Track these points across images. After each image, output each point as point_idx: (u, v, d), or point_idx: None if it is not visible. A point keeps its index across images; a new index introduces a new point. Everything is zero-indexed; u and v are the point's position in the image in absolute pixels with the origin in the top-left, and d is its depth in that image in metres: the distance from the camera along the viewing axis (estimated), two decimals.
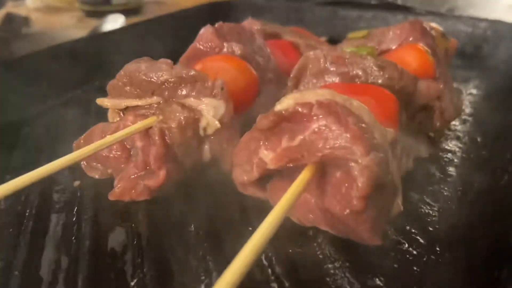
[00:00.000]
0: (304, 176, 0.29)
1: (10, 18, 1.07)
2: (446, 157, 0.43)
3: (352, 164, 0.27)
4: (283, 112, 0.29)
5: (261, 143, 0.32)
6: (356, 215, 0.28)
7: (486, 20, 0.72)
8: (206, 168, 0.39)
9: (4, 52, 0.89)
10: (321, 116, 0.28)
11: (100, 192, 0.38)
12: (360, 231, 0.29)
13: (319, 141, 0.28)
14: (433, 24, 0.51)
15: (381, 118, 0.32)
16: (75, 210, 0.36)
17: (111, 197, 0.35)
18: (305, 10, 0.85)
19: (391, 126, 0.33)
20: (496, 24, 0.71)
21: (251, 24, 0.54)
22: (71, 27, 1.15)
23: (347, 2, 0.83)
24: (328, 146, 0.28)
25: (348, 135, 0.27)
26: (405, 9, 0.79)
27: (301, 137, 0.29)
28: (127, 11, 1.22)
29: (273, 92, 0.46)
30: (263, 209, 0.34)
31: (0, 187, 0.26)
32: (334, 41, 0.71)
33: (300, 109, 0.28)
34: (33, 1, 1.33)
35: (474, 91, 0.59)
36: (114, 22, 1.07)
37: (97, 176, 0.40)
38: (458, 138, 0.46)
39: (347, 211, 0.28)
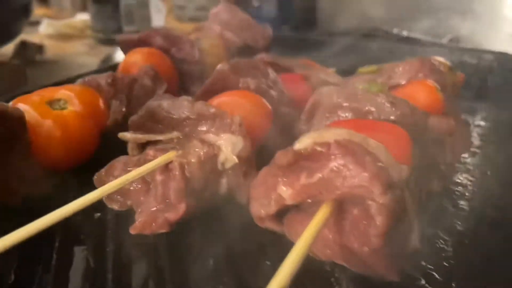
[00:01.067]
0: (322, 212, 0.30)
1: (24, 45, 1.11)
2: (457, 191, 0.43)
3: (370, 202, 0.28)
4: (302, 151, 0.30)
5: (279, 179, 0.33)
6: (374, 252, 0.29)
7: (491, 52, 0.74)
8: (222, 201, 0.41)
9: (20, 79, 0.91)
10: (339, 155, 0.29)
11: (120, 224, 0.39)
12: (377, 267, 0.30)
13: (337, 180, 0.29)
14: (441, 59, 0.53)
15: (395, 154, 0.33)
16: (97, 242, 0.37)
17: (133, 230, 0.36)
18: (312, 42, 0.88)
19: (405, 162, 0.34)
20: (501, 56, 0.72)
21: (264, 58, 0.56)
22: (83, 54, 1.18)
23: (353, 33, 0.85)
24: (346, 185, 0.29)
25: (366, 174, 0.28)
26: (411, 41, 0.82)
27: (320, 175, 0.30)
28: None
29: (286, 125, 0.48)
30: (279, 241, 0.35)
31: (26, 227, 0.27)
32: (341, 72, 0.73)
33: (318, 149, 0.29)
34: (45, 28, 1.36)
35: (481, 123, 0.60)
36: None
37: (116, 208, 0.41)
38: (468, 171, 0.47)
39: (365, 248, 0.29)
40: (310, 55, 0.81)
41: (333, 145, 0.29)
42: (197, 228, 0.38)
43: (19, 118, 0.40)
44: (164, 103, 0.37)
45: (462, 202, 0.42)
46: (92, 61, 1.07)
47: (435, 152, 0.42)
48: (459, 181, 0.45)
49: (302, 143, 0.30)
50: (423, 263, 0.34)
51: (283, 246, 0.35)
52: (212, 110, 0.36)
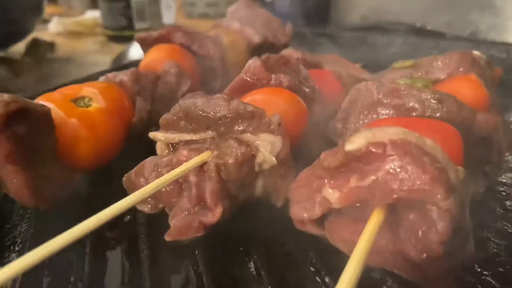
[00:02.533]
0: (376, 219, 0.28)
1: (36, 43, 1.09)
2: (503, 191, 0.41)
3: (431, 207, 0.26)
4: (355, 152, 0.28)
5: (326, 181, 0.31)
6: (434, 260, 0.27)
7: None
8: (258, 202, 0.39)
9: (32, 77, 0.90)
10: (395, 157, 0.27)
11: (152, 227, 0.37)
12: (433, 276, 0.28)
13: (393, 182, 0.27)
14: (478, 53, 0.51)
15: (448, 155, 0.31)
16: (130, 247, 0.35)
17: (168, 237, 0.34)
18: (334, 36, 0.86)
19: (457, 163, 0.32)
20: None
21: (291, 53, 0.54)
22: (95, 52, 1.17)
23: (376, 27, 0.83)
24: (404, 188, 0.27)
25: (426, 177, 0.26)
26: (435, 35, 0.79)
27: (373, 177, 0.28)
28: None
29: (320, 123, 0.46)
30: (320, 245, 0.33)
31: (59, 238, 0.25)
32: (365, 67, 0.71)
33: (373, 149, 0.28)
34: (55, 26, 1.35)
35: None
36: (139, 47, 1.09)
37: (147, 211, 0.39)
38: (511, 169, 0.45)
39: (424, 255, 0.27)
40: (329, 50, 0.80)
41: (388, 145, 0.27)
42: (232, 230, 0.37)
43: (44, 115, 0.38)
44: (199, 101, 0.36)
45: (508, 203, 0.40)
46: (104, 59, 1.05)
47: (481, 151, 0.40)
48: (503, 180, 0.43)
49: (354, 144, 0.28)
50: (479, 270, 0.32)
51: (326, 250, 0.34)
52: (250, 108, 0.35)
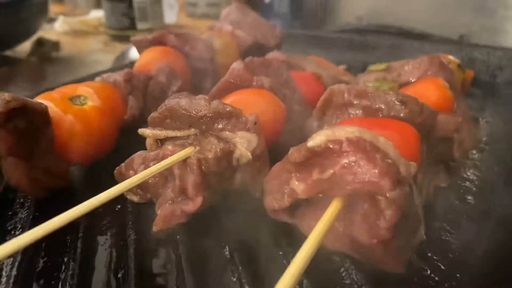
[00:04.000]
0: (334, 207, 0.31)
1: (41, 42, 1.13)
2: (465, 186, 0.45)
3: (380, 197, 0.30)
4: (316, 148, 0.31)
5: (293, 175, 0.35)
6: (383, 244, 0.30)
7: (502, 48, 0.75)
8: (236, 194, 0.42)
9: (38, 76, 0.94)
10: (350, 153, 0.30)
11: (140, 215, 0.41)
12: (386, 259, 0.32)
13: (348, 176, 0.31)
14: (450, 57, 0.54)
15: (404, 151, 0.34)
16: (119, 232, 0.39)
17: (155, 227, 0.38)
18: (323, 38, 0.89)
19: (413, 159, 0.36)
20: (511, 52, 0.73)
21: (276, 56, 0.57)
22: (98, 51, 1.21)
23: (367, 30, 0.86)
24: (357, 181, 0.30)
25: (376, 171, 0.29)
26: (422, 37, 0.82)
27: (332, 171, 0.31)
28: None
29: (298, 122, 0.49)
30: (291, 232, 0.37)
31: (54, 220, 0.29)
32: (352, 68, 0.74)
33: (331, 146, 0.31)
34: (60, 25, 1.39)
35: (490, 119, 0.61)
36: None
37: (136, 200, 0.43)
38: (475, 166, 0.48)
39: (375, 240, 0.30)
40: (320, 52, 0.83)
41: (345, 142, 0.31)
42: (212, 219, 0.40)
43: (42, 112, 0.42)
44: (182, 102, 0.39)
45: (469, 197, 0.43)
46: (107, 58, 1.09)
47: (443, 149, 0.43)
48: (466, 176, 0.46)
49: (315, 141, 0.31)
50: (429, 255, 0.35)
51: (295, 237, 0.37)
52: (228, 108, 0.38)
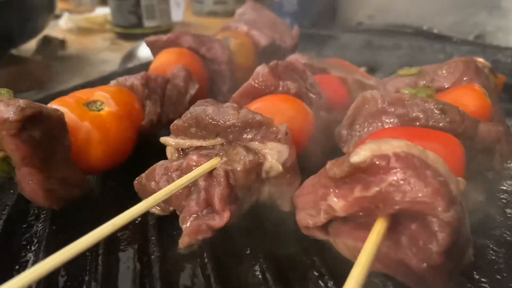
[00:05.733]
0: (379, 227, 0.29)
1: (47, 41, 1.11)
2: (504, 198, 0.42)
3: (432, 219, 0.27)
4: (360, 164, 0.29)
5: (331, 190, 0.32)
6: (434, 269, 0.28)
7: None
8: (265, 206, 0.40)
9: (44, 75, 0.92)
10: (399, 169, 0.28)
11: (163, 229, 0.39)
12: (434, 283, 0.29)
13: (396, 194, 0.28)
14: (482, 60, 0.52)
15: (451, 166, 0.32)
16: (141, 248, 0.36)
17: (181, 245, 0.35)
18: (340, 38, 0.86)
19: (460, 174, 0.33)
20: None
21: (298, 58, 0.55)
22: (105, 49, 1.18)
23: (383, 30, 0.83)
24: (406, 200, 0.28)
25: (428, 190, 0.27)
26: (441, 38, 0.80)
27: (377, 188, 0.29)
28: (158, 34, 1.25)
29: (325, 129, 0.47)
30: (323, 249, 0.35)
31: (75, 244, 0.26)
32: (371, 70, 0.72)
33: (377, 162, 0.29)
34: (66, 23, 1.36)
35: None
36: None
37: (157, 212, 0.41)
38: None
39: (425, 264, 0.28)
40: (336, 52, 0.80)
41: (392, 158, 0.28)
42: (240, 233, 0.38)
43: (58, 119, 0.40)
44: (209, 110, 0.37)
45: (509, 211, 0.41)
46: (114, 57, 1.07)
47: (482, 160, 0.41)
48: (504, 188, 0.44)
49: (360, 156, 0.29)
50: (477, 277, 0.33)
51: (329, 255, 0.35)
52: (259, 118, 0.36)
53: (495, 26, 1.15)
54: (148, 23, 1.23)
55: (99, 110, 0.45)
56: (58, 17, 1.39)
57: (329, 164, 0.32)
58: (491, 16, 1.18)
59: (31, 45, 1.06)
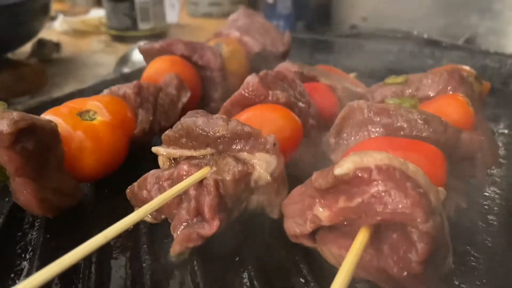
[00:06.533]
0: (362, 237, 0.30)
1: (41, 43, 1.11)
2: (486, 204, 0.44)
3: (411, 229, 0.28)
4: (344, 176, 0.30)
5: (317, 200, 0.33)
6: (414, 277, 0.29)
7: None
8: (254, 215, 0.41)
9: (41, 79, 0.92)
10: (380, 181, 0.29)
11: (154, 236, 0.40)
12: None
13: (378, 205, 0.29)
14: (467, 68, 0.53)
15: (431, 176, 0.33)
16: (133, 256, 0.37)
17: (172, 253, 0.36)
18: (332, 43, 0.87)
19: (440, 183, 0.35)
20: None
21: (288, 67, 0.56)
22: (99, 52, 1.19)
23: (374, 35, 0.84)
24: (387, 211, 0.29)
25: (408, 201, 0.28)
26: (431, 43, 0.81)
27: (360, 199, 0.30)
28: (152, 37, 1.26)
29: (314, 137, 0.48)
30: (310, 256, 0.36)
31: (70, 255, 0.27)
32: (363, 75, 0.73)
33: (360, 174, 0.30)
34: (60, 25, 1.37)
35: (505, 131, 0.60)
36: None
37: (149, 220, 0.41)
38: (495, 183, 0.47)
39: (405, 273, 0.29)
40: (328, 57, 0.81)
41: (374, 170, 0.29)
42: (229, 241, 0.39)
43: (51, 130, 0.41)
44: (199, 121, 0.38)
45: (491, 217, 0.42)
46: (109, 60, 1.07)
47: (464, 168, 0.42)
48: (487, 194, 0.45)
49: (343, 168, 0.30)
50: (456, 283, 0.34)
51: (316, 263, 0.36)
52: (247, 129, 0.37)
53: (487, 29, 1.16)
54: (142, 26, 1.24)
55: (92, 120, 0.46)
56: (53, 19, 1.39)
57: (314, 175, 0.33)
58: (482, 19, 1.19)
59: (26, 48, 1.06)
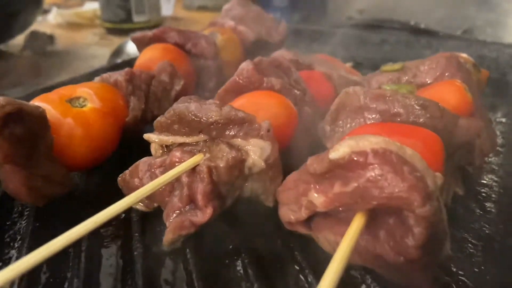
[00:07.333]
0: (357, 222, 0.29)
1: (35, 36, 1.10)
2: (484, 192, 0.43)
3: (408, 214, 0.28)
4: (339, 160, 0.29)
5: (311, 186, 0.33)
6: (411, 262, 0.28)
7: (511, 45, 0.73)
8: (248, 202, 0.40)
9: (32, 71, 0.91)
10: (376, 165, 0.28)
11: (147, 225, 0.39)
12: (412, 276, 0.30)
13: (374, 190, 0.29)
14: (465, 56, 0.52)
15: (429, 161, 0.32)
16: (125, 244, 0.37)
17: (165, 241, 0.35)
18: (329, 33, 0.86)
19: (438, 169, 0.34)
20: None
21: (283, 54, 0.55)
22: (94, 44, 1.17)
23: (371, 25, 0.83)
24: (383, 195, 0.28)
25: (404, 185, 0.27)
26: (428, 33, 0.80)
27: (355, 184, 0.29)
28: (147, 29, 1.24)
29: (309, 125, 0.47)
30: (305, 244, 0.35)
31: (58, 239, 0.26)
32: (359, 65, 0.72)
33: (355, 158, 0.29)
34: (54, 17, 1.35)
35: (503, 120, 0.59)
36: None
37: (141, 209, 0.41)
38: (493, 171, 0.47)
39: (402, 258, 0.29)
40: (325, 48, 0.81)
41: (370, 154, 0.29)
42: (223, 229, 0.38)
43: (40, 116, 0.39)
44: (192, 106, 0.37)
45: (488, 204, 0.41)
46: (103, 52, 1.06)
47: (462, 155, 0.42)
48: (484, 182, 0.45)
49: (339, 152, 0.29)
50: (454, 269, 0.33)
51: (310, 250, 0.35)
52: (241, 114, 0.36)
53: (484, 21, 1.16)
54: (137, 18, 1.22)
55: (82, 107, 0.45)
56: (47, 12, 1.37)
57: (309, 160, 0.32)
58: (479, 11, 1.18)
59: (19, 40, 1.05)
